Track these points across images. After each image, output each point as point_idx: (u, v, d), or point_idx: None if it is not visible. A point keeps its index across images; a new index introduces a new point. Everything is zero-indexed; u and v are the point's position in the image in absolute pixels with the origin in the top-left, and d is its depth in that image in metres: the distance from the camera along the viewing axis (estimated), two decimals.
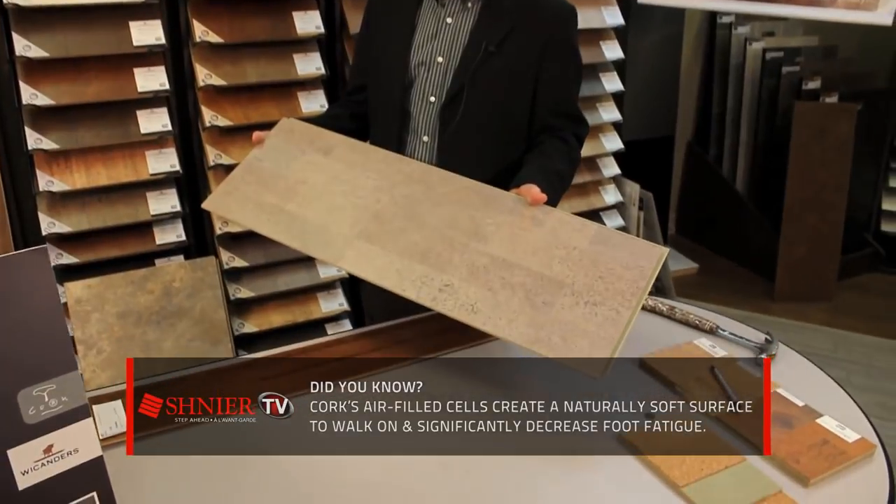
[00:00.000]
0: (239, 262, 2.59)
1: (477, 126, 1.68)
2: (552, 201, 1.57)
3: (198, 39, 2.35)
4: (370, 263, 1.46)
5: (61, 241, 2.31)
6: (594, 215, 3.17)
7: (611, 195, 3.16)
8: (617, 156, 3.18)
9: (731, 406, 1.41)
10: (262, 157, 1.66)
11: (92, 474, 1.02)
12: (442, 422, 1.39)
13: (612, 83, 3.02)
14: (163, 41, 2.29)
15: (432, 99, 1.69)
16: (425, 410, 1.39)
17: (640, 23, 3.48)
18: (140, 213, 2.40)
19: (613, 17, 2.92)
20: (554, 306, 1.36)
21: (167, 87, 2.32)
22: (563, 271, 1.41)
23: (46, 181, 2.24)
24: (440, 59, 1.67)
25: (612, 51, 2.97)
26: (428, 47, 1.68)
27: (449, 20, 1.67)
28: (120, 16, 2.25)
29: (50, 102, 2.18)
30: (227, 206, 1.61)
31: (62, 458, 1.00)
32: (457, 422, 1.38)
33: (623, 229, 3.22)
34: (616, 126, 3.14)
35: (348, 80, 1.94)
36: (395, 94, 1.70)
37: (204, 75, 2.40)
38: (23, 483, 0.97)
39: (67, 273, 2.31)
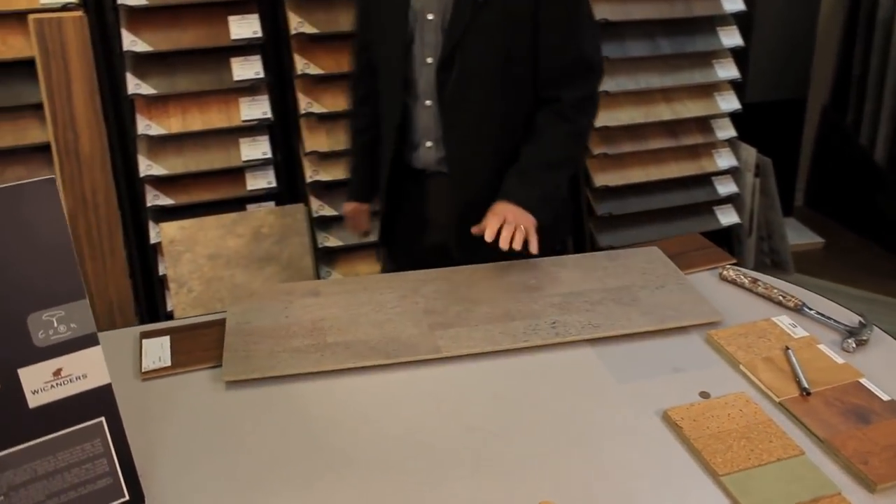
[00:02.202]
0: (328, 211, 2.61)
1: (476, 84, 1.58)
2: (538, 202, 1.57)
3: None
4: (470, 340, 1.42)
5: (158, 182, 2.41)
6: (705, 180, 2.96)
7: (724, 159, 2.93)
8: (734, 117, 2.93)
9: (799, 392, 1.27)
10: (244, 321, 1.48)
11: (100, 400, 1.04)
12: (473, 383, 1.34)
13: (730, 38, 2.77)
14: None
15: (429, 60, 1.58)
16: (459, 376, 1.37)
17: None
18: (232, 158, 2.46)
19: None
20: (640, 299, 1.54)
21: (260, 34, 2.35)
22: (615, 281, 1.60)
23: (145, 125, 2.33)
24: (430, 16, 1.55)
25: (733, 2, 2.71)
26: (419, 3, 1.56)
27: None
28: None
29: (148, 49, 2.26)
30: (253, 367, 1.36)
31: (71, 381, 1.02)
32: (490, 383, 1.33)
33: (736, 196, 2.98)
34: (734, 84, 2.90)
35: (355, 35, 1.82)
36: (396, 56, 1.61)
37: (297, 23, 2.40)
38: (33, 402, 1.00)
39: (162, 214, 2.41)
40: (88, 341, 1.02)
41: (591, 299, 1.53)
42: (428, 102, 1.63)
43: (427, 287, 1.59)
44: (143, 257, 2.51)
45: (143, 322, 2.48)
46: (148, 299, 2.55)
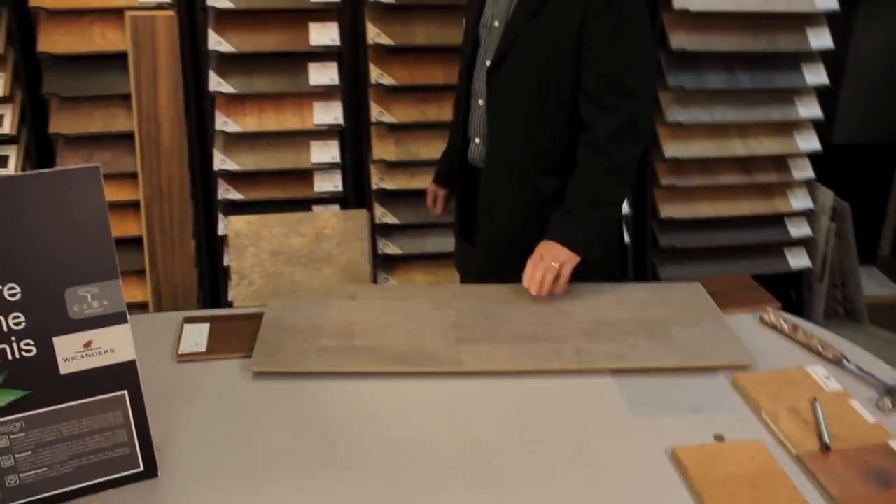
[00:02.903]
0: (391, 219, 2.68)
1: (518, 88, 1.67)
2: (580, 242, 1.62)
3: None
4: (492, 357, 1.44)
5: (230, 177, 2.52)
6: (777, 220, 2.87)
7: (800, 200, 2.83)
8: (816, 158, 2.83)
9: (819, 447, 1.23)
10: (280, 316, 1.55)
11: (124, 374, 1.12)
12: (488, 400, 1.35)
13: (815, 75, 2.68)
14: None
15: (487, 63, 1.70)
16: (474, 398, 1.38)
17: (872, 10, 3.04)
18: (302, 159, 2.56)
19: (826, 0, 2.58)
20: (672, 334, 1.51)
21: (337, 42, 2.44)
22: (651, 313, 1.58)
23: (222, 121, 2.45)
24: (496, 24, 1.69)
25: (820, 39, 2.63)
26: (489, 12, 1.71)
27: None
28: None
29: (232, 49, 2.38)
30: (281, 361, 1.42)
31: (100, 354, 1.10)
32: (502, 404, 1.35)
33: (810, 240, 2.87)
34: (819, 124, 2.80)
35: None
36: (466, 59, 1.77)
37: (374, 34, 2.48)
38: (64, 368, 1.09)
39: (232, 207, 2.53)
40: (118, 318, 1.10)
41: (622, 330, 1.52)
42: (480, 102, 1.76)
43: (461, 301, 1.61)
44: (211, 247, 2.64)
45: (205, 309, 2.60)
46: (212, 287, 2.67)
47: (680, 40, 2.57)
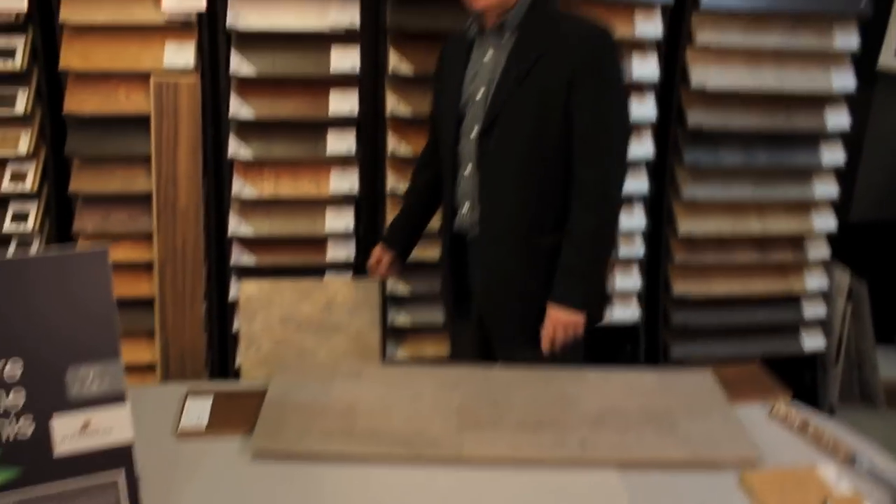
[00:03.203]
0: (402, 290, 2.67)
1: (511, 150, 1.74)
2: (584, 299, 1.74)
3: (391, 70, 2.48)
4: (494, 446, 1.43)
5: (245, 242, 2.54)
6: (793, 302, 2.83)
7: (815, 281, 2.80)
8: (833, 236, 2.81)
9: None
10: (283, 392, 1.56)
11: (121, 456, 1.11)
12: (488, 490, 1.33)
13: (832, 155, 2.67)
14: (357, 69, 2.43)
15: (474, 132, 1.78)
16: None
17: (891, 87, 3.05)
18: (317, 226, 2.57)
19: (843, 80, 2.59)
20: (678, 426, 1.48)
21: (356, 112, 2.47)
22: (657, 403, 1.55)
23: (240, 186, 2.48)
24: (480, 93, 1.77)
25: (838, 118, 2.63)
26: (473, 86, 1.79)
27: (486, 58, 1.78)
28: (324, 41, 2.43)
29: (252, 116, 2.42)
30: (281, 441, 1.41)
31: (97, 434, 1.09)
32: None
33: (824, 322, 2.83)
34: (833, 204, 2.78)
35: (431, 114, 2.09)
36: (450, 132, 1.82)
37: (393, 103, 2.52)
38: (60, 449, 1.08)
39: (245, 272, 2.54)
40: (117, 399, 1.09)
41: (628, 420, 1.49)
42: (468, 169, 1.81)
43: (466, 384, 1.60)
44: (222, 312, 2.64)
45: (211, 373, 2.59)
46: (220, 352, 2.66)
47: (697, 118, 2.59)
